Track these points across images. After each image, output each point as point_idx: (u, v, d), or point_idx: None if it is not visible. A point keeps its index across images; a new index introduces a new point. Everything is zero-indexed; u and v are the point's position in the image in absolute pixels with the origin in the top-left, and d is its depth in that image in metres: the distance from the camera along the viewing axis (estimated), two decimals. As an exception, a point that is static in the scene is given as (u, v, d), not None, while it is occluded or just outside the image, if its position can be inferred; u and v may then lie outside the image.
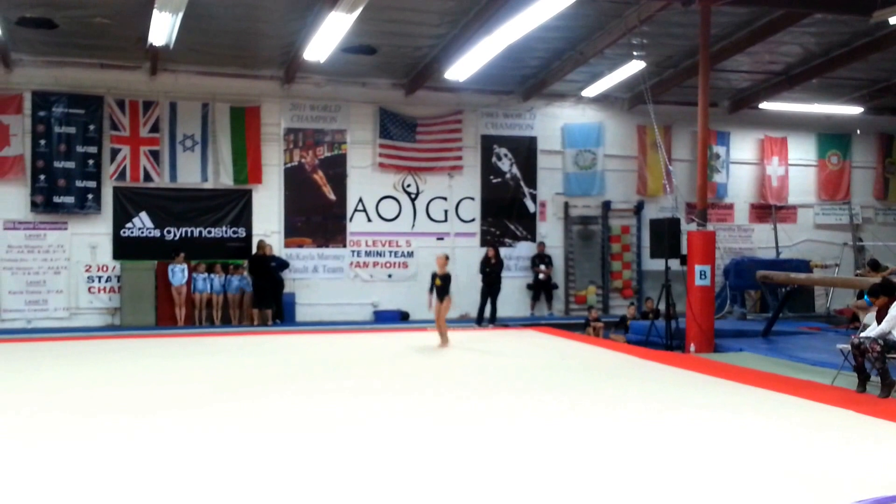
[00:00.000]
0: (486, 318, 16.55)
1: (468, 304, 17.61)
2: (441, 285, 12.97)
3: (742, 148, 21.12)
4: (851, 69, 17.66)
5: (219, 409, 7.72)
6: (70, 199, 16.49)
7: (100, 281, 16.81)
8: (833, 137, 21.78)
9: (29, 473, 5.37)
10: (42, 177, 16.33)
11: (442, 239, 18.82)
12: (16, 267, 16.32)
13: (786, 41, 16.20)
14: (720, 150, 20.59)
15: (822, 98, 19.61)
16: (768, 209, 21.25)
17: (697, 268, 13.29)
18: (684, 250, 13.87)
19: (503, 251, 18.59)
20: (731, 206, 21.09)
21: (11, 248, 16.29)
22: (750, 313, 18.69)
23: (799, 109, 20.17)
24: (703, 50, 13.67)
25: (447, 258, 13.61)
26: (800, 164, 21.56)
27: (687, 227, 15.17)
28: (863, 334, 8.78)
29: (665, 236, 14.02)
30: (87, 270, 16.73)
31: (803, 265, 18.22)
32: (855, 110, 20.39)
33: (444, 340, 12.98)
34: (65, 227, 16.62)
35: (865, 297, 14.53)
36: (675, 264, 14.03)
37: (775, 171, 21.27)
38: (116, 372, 10.27)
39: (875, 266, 14.95)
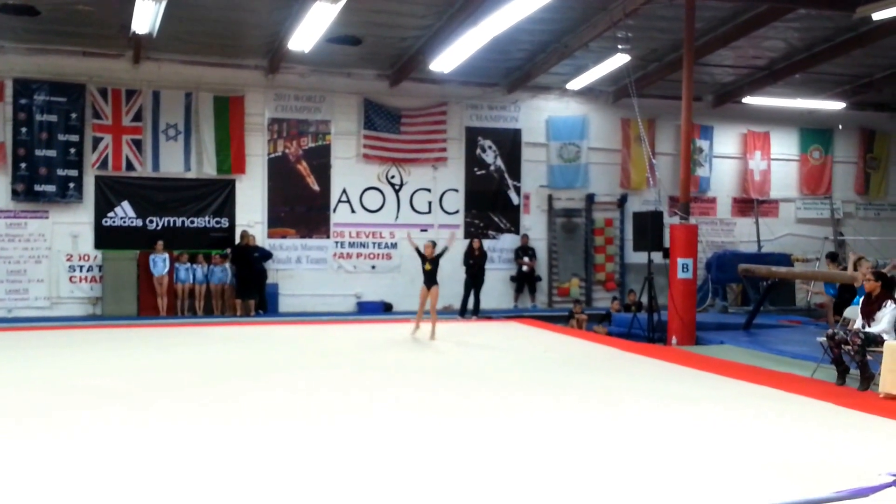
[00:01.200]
0: (470, 309, 16.58)
1: (451, 295, 17.60)
2: (430, 270, 12.87)
3: (725, 142, 21.21)
4: (834, 64, 17.75)
5: (206, 398, 7.71)
6: (51, 188, 16.37)
7: (81, 270, 16.71)
8: (815, 132, 21.90)
9: (17, 465, 5.34)
10: (23, 165, 16.19)
11: (426, 230, 18.80)
12: (-4, 256, 16.22)
13: (770, 36, 16.27)
14: (703, 143, 20.68)
15: (805, 93, 19.73)
16: (750, 203, 21.36)
17: (680, 261, 13.37)
18: (667, 243, 13.95)
19: (487, 243, 18.60)
20: (713, 200, 21.19)
21: (-8, 236, 16.18)
22: (731, 306, 18.81)
23: (782, 104, 20.27)
24: (688, 44, 13.73)
25: (434, 245, 13.47)
26: (782, 159, 21.67)
27: (670, 221, 15.24)
28: (866, 329, 8.74)
29: (648, 229, 14.11)
30: (68, 260, 16.62)
31: (785, 259, 18.37)
32: (837, 105, 20.50)
33: (432, 332, 12.81)
34: (46, 215, 16.50)
35: (826, 288, 14.79)
36: (657, 257, 14.10)
37: (758, 166, 21.38)
38: (101, 362, 10.23)
39: (833, 258, 15.16)
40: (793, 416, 7.20)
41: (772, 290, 15.77)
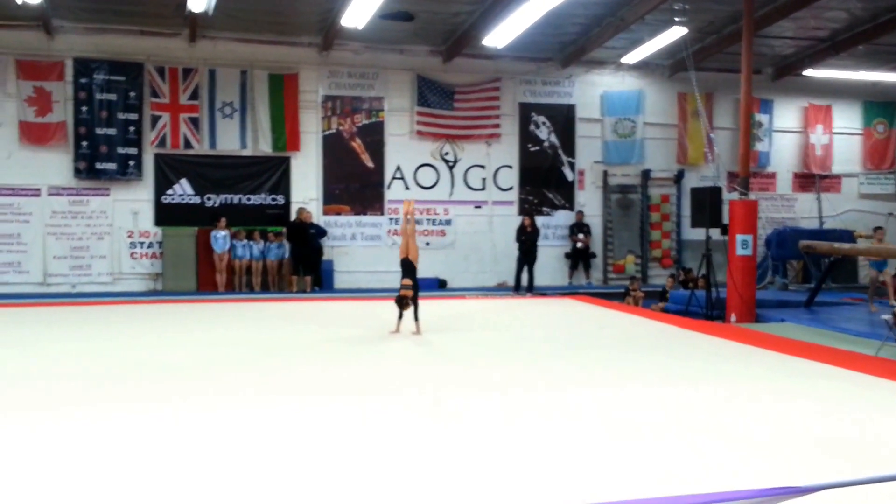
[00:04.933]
0: (524, 286, 16.54)
1: (505, 272, 17.64)
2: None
3: (785, 116, 20.76)
4: (900, 35, 17.25)
5: (268, 372, 7.80)
6: (112, 166, 16.68)
7: (142, 247, 17.03)
8: (879, 105, 21.31)
9: (90, 437, 5.47)
10: (84, 143, 16.52)
11: (479, 207, 18.80)
12: (60, 232, 16.58)
13: (832, 6, 15.84)
14: (763, 118, 20.26)
15: (869, 65, 19.19)
16: (812, 178, 20.93)
17: (739, 237, 13.15)
18: (726, 220, 13.72)
19: (541, 220, 18.55)
20: (773, 175, 20.79)
21: (56, 213, 16.54)
22: (792, 283, 18.49)
23: (844, 76, 19.77)
24: (747, 15, 13.43)
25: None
26: (844, 133, 21.16)
27: (728, 197, 14.99)
28: None
29: (706, 205, 13.87)
30: (129, 236, 16.95)
31: (847, 235, 17.95)
32: (902, 77, 19.94)
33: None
34: (107, 193, 16.83)
35: (871, 264, 14.51)
36: (715, 234, 13.89)
37: (819, 140, 20.90)
38: (168, 336, 10.42)
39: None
40: (856, 394, 7.05)
41: (834, 267, 15.44)
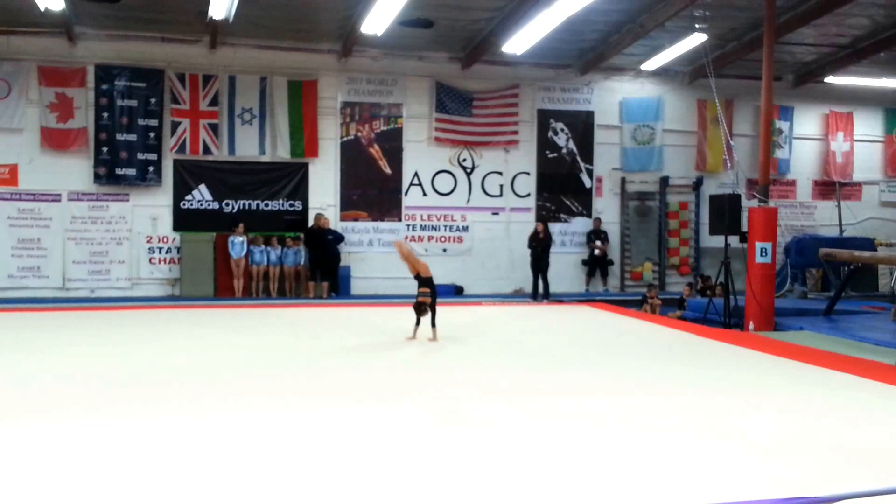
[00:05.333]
0: (540, 293, 16.50)
1: (522, 278, 17.61)
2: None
3: (806, 123, 20.63)
4: (922, 42, 17.10)
5: (286, 377, 7.82)
6: (132, 171, 16.78)
7: (160, 252, 17.11)
8: (901, 113, 21.16)
9: (102, 436, 5.49)
10: (105, 149, 16.63)
11: (497, 213, 18.78)
12: (80, 237, 16.69)
13: (853, 13, 15.73)
14: (783, 124, 20.14)
15: (891, 72, 19.04)
16: (832, 186, 20.77)
17: (758, 245, 13.06)
18: (745, 227, 13.64)
19: (559, 227, 18.54)
20: (793, 183, 20.65)
21: (75, 218, 16.65)
22: (811, 292, 18.34)
23: (866, 83, 19.63)
24: (768, 22, 13.34)
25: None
26: (866, 140, 20.99)
27: (748, 204, 14.90)
28: None
29: (725, 213, 13.77)
30: (147, 241, 17.03)
31: (867, 243, 17.80)
32: (926, 85, 19.77)
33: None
34: (127, 198, 16.93)
35: None
36: (734, 241, 13.81)
37: (840, 147, 20.75)
38: (186, 341, 10.47)
39: None
40: (877, 404, 6.98)
41: (854, 275, 15.32)
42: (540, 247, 16.56)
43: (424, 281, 10.51)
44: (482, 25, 16.29)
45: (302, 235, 17.27)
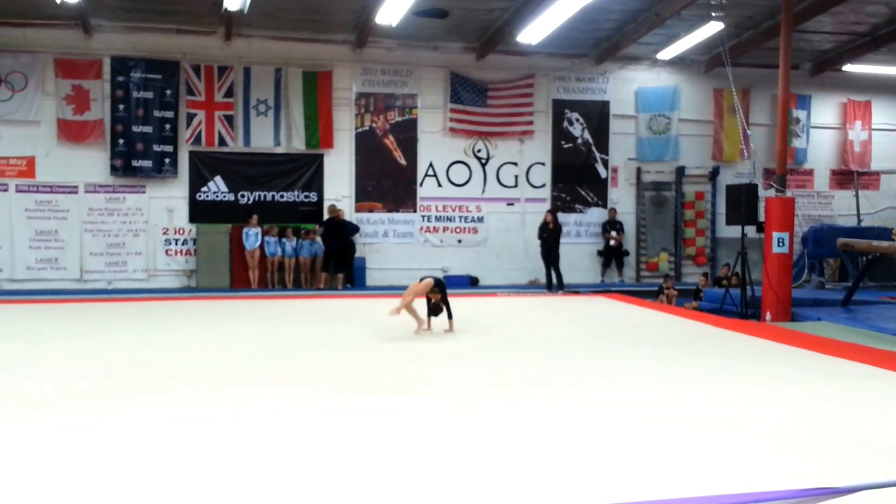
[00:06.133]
0: (555, 284, 16.47)
1: (537, 269, 17.56)
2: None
3: (823, 112, 20.47)
4: (942, 29, 16.93)
5: (302, 367, 7.85)
6: (148, 163, 16.85)
7: (176, 243, 17.18)
8: (921, 101, 20.96)
9: (128, 431, 5.52)
10: (121, 141, 16.70)
11: (512, 204, 18.75)
12: (96, 229, 16.78)
13: (872, 1, 15.58)
14: (800, 114, 19.99)
15: (910, 60, 18.88)
16: (850, 175, 20.62)
17: (775, 235, 12.99)
18: (762, 217, 13.56)
19: (574, 217, 18.53)
20: (810, 172, 20.51)
21: (92, 210, 16.74)
22: (828, 282, 18.24)
23: (884, 72, 19.44)
24: (786, 10, 13.25)
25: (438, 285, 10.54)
26: (884, 129, 20.80)
27: (765, 194, 14.82)
28: None
29: (742, 203, 13.69)
30: (164, 233, 17.11)
31: (886, 233, 17.64)
32: (945, 73, 19.57)
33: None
34: (143, 190, 17.01)
35: None
36: (751, 231, 13.74)
37: (858, 136, 20.58)
38: (202, 332, 10.51)
39: None
40: (895, 394, 6.93)
41: (872, 265, 15.21)
42: (550, 237, 16.52)
43: (431, 293, 10.43)
44: (497, 15, 16.23)
45: (317, 226, 17.26)
